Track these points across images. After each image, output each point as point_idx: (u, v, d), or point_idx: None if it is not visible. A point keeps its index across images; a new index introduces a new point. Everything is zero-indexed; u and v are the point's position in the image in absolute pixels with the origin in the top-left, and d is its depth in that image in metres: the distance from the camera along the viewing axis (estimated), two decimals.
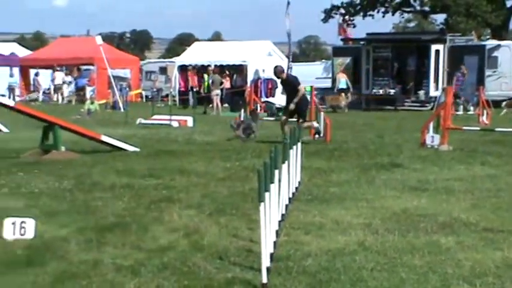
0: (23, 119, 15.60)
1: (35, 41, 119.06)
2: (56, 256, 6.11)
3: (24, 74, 44.58)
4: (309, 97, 17.02)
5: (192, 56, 41.33)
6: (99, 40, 34.75)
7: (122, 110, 30.60)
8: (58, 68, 43.05)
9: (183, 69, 39.24)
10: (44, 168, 11.65)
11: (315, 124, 16.80)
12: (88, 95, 36.43)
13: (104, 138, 14.17)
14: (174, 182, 10.42)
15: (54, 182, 10.12)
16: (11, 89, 41.46)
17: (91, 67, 41.59)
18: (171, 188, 9.87)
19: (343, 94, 33.35)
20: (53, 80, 43.06)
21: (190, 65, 39.53)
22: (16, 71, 44.04)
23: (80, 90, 40.82)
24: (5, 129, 19.04)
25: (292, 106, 15.97)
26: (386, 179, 10.82)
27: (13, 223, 6.73)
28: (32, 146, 13.79)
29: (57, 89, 42.52)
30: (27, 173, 11.04)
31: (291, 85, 16.38)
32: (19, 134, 17.68)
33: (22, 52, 52.48)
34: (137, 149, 14.34)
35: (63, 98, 41.65)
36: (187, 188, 9.88)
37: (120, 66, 40.98)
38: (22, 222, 6.75)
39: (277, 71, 16.66)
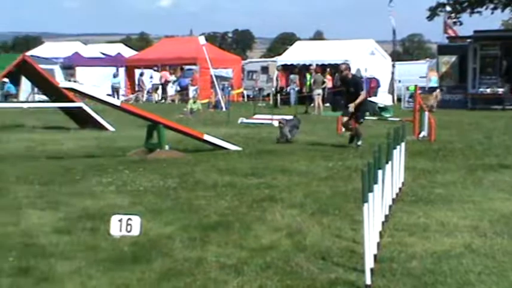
0: (128, 118, 16.01)
1: (140, 41, 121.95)
2: (161, 253, 6.21)
3: (130, 74, 45.75)
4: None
5: (294, 55, 41.37)
6: (202, 40, 35.23)
7: (224, 109, 30.91)
8: (155, 68, 43.96)
9: (284, 68, 39.31)
10: (149, 166, 11.89)
11: (359, 131, 15.28)
12: (191, 95, 36.98)
13: (207, 137, 14.35)
14: (276, 181, 10.43)
15: (158, 180, 10.30)
16: (114, 89, 42.65)
17: (193, 67, 42.23)
18: (273, 187, 9.88)
19: (433, 93, 32.66)
20: (151, 80, 44.08)
21: (291, 64, 39.59)
22: (122, 71, 45.25)
23: (182, 89, 41.52)
24: (111, 128, 19.56)
25: (351, 109, 15.06)
26: (494, 180, 10.49)
27: (120, 220, 6.88)
28: (137, 145, 14.11)
29: (155, 89, 43.49)
30: (133, 171, 11.29)
31: (353, 87, 15.27)
32: (125, 132, 18.12)
33: (128, 53, 53.95)
34: (239, 148, 14.45)
35: (164, 98, 42.48)
36: (289, 187, 9.87)
37: (222, 65, 41.44)
38: (128, 219, 6.89)
39: (342, 68, 15.74)
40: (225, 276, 5.54)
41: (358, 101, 15.02)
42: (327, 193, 9.35)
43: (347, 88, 15.55)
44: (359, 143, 15.05)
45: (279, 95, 35.91)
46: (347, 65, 16.05)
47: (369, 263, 5.33)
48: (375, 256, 5.80)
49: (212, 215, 7.88)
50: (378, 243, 6.20)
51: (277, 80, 36.35)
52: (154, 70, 43.81)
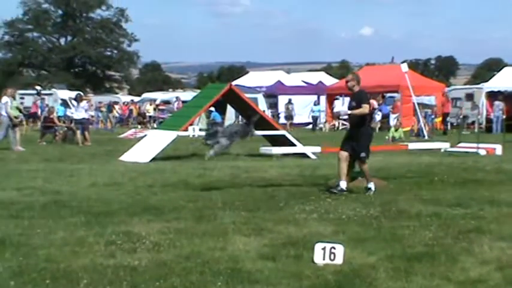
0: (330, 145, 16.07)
1: (341, 69, 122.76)
2: (365, 283, 6.14)
3: (330, 102, 46.14)
4: None
5: (502, 81, 39.77)
6: (404, 68, 34.80)
7: (426, 137, 30.26)
8: (338, 97, 43.93)
9: (490, 95, 37.88)
10: (351, 195, 11.85)
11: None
12: (392, 123, 36.60)
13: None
14: (483, 212, 10.01)
15: (361, 209, 10.22)
16: (314, 118, 43.22)
17: (395, 94, 41.81)
18: (480, 218, 9.48)
19: None
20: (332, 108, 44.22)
21: (499, 91, 38.09)
22: (323, 99, 45.75)
23: (384, 117, 41.21)
24: (313, 156, 19.75)
25: (341, 112, 12.97)
26: None
27: (323, 248, 6.89)
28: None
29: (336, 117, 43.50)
30: (335, 199, 11.30)
31: (355, 102, 12.46)
32: (327, 160, 18.20)
33: (329, 81, 54.44)
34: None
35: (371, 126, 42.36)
36: (497, 218, 9.42)
37: (425, 93, 40.68)
38: (332, 247, 6.88)
39: (348, 78, 12.85)
40: None
41: (356, 111, 12.18)
42: None
43: (350, 103, 12.71)
44: (370, 186, 12.18)
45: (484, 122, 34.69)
46: (354, 74, 13.22)
47: None
48: None
49: (417, 246, 7.69)
50: None
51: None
52: (336, 99, 43.89)
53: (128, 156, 19.42)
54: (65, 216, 9.63)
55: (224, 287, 6.05)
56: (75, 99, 29.89)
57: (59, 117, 30.19)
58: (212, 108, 37.35)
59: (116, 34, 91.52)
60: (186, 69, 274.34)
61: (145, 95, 61.89)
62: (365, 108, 12.15)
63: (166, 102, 52.73)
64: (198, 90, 41.74)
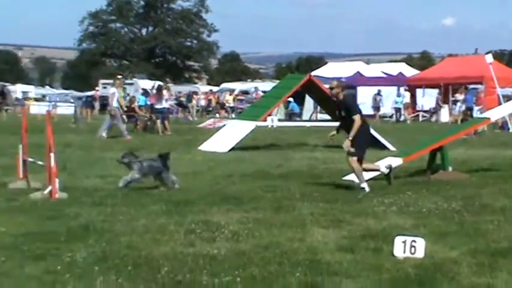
0: (411, 137, 15.84)
1: (422, 60, 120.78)
2: (447, 278, 6.01)
3: (411, 94, 45.46)
4: None
5: None
6: (489, 58, 33.99)
7: (511, 130, 29.53)
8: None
9: None
10: (432, 188, 11.64)
11: (382, 168, 12.26)
12: (475, 115, 35.81)
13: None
14: None
15: (442, 203, 10.01)
16: (396, 109, 42.65)
17: (478, 86, 40.91)
18: None
19: None
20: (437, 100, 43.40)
21: None
22: (403, 90, 45.14)
23: (467, 110, 40.36)
24: (392, 148, 19.49)
25: (346, 146, 11.73)
26: None
27: (403, 241, 6.79)
28: (418, 165, 13.88)
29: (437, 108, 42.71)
30: (415, 192, 11.11)
31: (344, 110, 11.83)
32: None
33: (409, 72, 53.65)
34: None
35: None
36: None
37: (510, 84, 39.67)
38: (412, 241, 6.78)
39: (333, 85, 12.07)
40: None
41: (354, 130, 11.46)
42: None
43: (339, 112, 12.09)
44: (363, 186, 11.53)
45: None
46: (339, 81, 12.63)
47: None
48: None
49: (502, 241, 7.50)
50: None
51: None
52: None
53: (206, 146, 19.58)
54: (146, 204, 9.78)
55: (303, 278, 6.02)
56: (157, 89, 30.36)
57: (139, 106, 30.62)
58: (291, 99, 37.30)
59: (196, 24, 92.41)
60: (264, 59, 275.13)
61: (224, 85, 62.38)
62: (357, 121, 11.48)
63: (245, 93, 53.03)
64: (277, 81, 41.75)
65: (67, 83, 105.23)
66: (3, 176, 12.35)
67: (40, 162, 11.19)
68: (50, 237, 7.45)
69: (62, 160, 11.29)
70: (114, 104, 23.93)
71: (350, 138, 11.51)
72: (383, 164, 12.45)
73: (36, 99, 61.11)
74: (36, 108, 41.86)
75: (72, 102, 53.10)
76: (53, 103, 54.00)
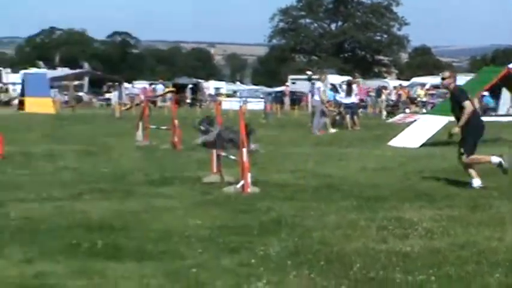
0: None
1: None
2: None
3: None
4: None
5: None
6: None
7: None
8: None
9: None
10: None
11: (494, 159, 11.20)
12: None
13: None
14: None
15: None
16: None
17: None
18: None
19: None
20: None
21: None
22: None
23: None
24: None
25: (454, 130, 11.30)
26: None
27: None
28: None
29: None
30: None
31: (455, 102, 11.43)
32: None
33: None
34: None
35: None
36: None
37: None
38: None
39: (444, 75, 11.73)
40: None
41: (463, 120, 11.02)
42: None
43: (452, 104, 11.64)
44: (474, 184, 10.90)
45: None
46: (452, 72, 12.13)
47: None
48: None
49: None
50: None
51: None
52: None
53: (397, 141, 19.26)
54: (336, 200, 9.75)
55: (503, 279, 5.73)
56: (347, 84, 30.42)
57: (328, 101, 30.74)
58: (485, 93, 35.86)
59: (386, 18, 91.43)
60: (457, 52, 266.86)
61: (414, 80, 61.15)
62: (468, 108, 11.06)
63: (436, 87, 51.67)
64: (471, 75, 40.31)
65: (257, 79, 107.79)
66: (197, 170, 12.79)
67: (232, 157, 11.47)
68: (243, 231, 7.60)
69: (253, 155, 11.51)
70: (323, 97, 24.76)
71: (460, 125, 11.11)
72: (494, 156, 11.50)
73: (228, 95, 63.08)
74: (228, 104, 43.12)
75: (261, 98, 54.32)
76: (244, 99, 55.53)
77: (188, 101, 55.96)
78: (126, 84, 63.13)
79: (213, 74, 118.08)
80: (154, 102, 48.49)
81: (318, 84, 25.31)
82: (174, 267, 6.12)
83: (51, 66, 69.00)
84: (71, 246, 6.78)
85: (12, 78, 57.27)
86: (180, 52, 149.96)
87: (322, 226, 7.91)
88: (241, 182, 10.41)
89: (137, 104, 44.12)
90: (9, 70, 64.72)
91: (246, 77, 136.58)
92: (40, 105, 37.91)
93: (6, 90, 54.32)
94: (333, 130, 24.41)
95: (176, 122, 17.61)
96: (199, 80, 67.70)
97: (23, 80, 43.56)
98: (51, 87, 47.05)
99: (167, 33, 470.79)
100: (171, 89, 55.09)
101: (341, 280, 5.78)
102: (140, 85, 66.19)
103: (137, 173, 12.32)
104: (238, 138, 11.05)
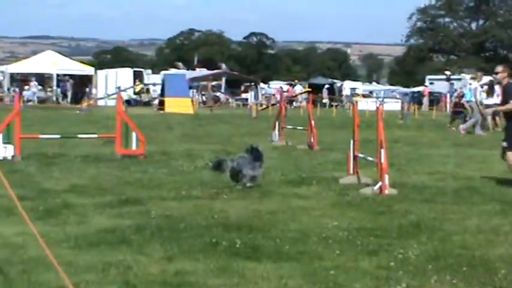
0: None
1: None
2: None
3: None
4: None
5: None
6: None
7: None
8: None
9: None
10: None
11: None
12: None
13: None
14: None
15: None
16: None
17: None
18: None
19: None
20: None
21: None
22: None
23: None
24: None
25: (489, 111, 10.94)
26: None
27: None
28: None
29: None
30: None
31: (504, 97, 11.46)
32: None
33: None
34: None
35: None
36: None
37: None
38: None
39: (498, 70, 11.53)
40: None
41: (502, 107, 11.41)
42: None
43: (502, 99, 11.75)
44: None
45: None
46: (506, 67, 11.63)
47: None
48: None
49: None
50: None
51: None
52: None
53: None
54: (477, 203, 9.45)
55: None
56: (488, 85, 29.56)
57: (467, 101, 29.95)
58: None
59: None
60: None
61: None
62: (510, 104, 11.13)
63: None
64: None
65: (394, 79, 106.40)
66: (333, 171, 12.74)
67: (370, 158, 11.34)
68: (382, 233, 7.48)
69: (390, 156, 11.30)
70: (478, 97, 24.53)
71: (496, 108, 11.93)
72: None
73: (364, 96, 62.61)
74: (364, 105, 42.79)
75: (398, 98, 53.55)
76: (381, 99, 54.91)
77: (325, 101, 55.98)
78: (262, 85, 63.98)
79: (349, 74, 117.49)
80: (291, 102, 48.84)
81: (474, 84, 25.12)
82: (311, 268, 6.10)
83: (190, 67, 70.89)
84: (210, 245, 6.87)
85: (153, 79, 59.23)
86: (315, 52, 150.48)
87: (463, 230, 7.67)
88: (379, 184, 10.27)
89: (273, 104, 44.59)
90: (150, 71, 67.04)
91: (382, 77, 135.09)
92: (179, 105, 38.93)
93: (147, 91, 56.16)
94: (482, 133, 23.83)
95: (313, 122, 17.62)
96: (334, 81, 67.60)
97: (163, 81, 44.82)
98: (190, 87, 48.31)
99: (303, 33, 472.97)
100: (308, 89, 55.31)
101: (485, 287, 5.58)
102: (276, 85, 66.90)
103: (274, 173, 12.39)
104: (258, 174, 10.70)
